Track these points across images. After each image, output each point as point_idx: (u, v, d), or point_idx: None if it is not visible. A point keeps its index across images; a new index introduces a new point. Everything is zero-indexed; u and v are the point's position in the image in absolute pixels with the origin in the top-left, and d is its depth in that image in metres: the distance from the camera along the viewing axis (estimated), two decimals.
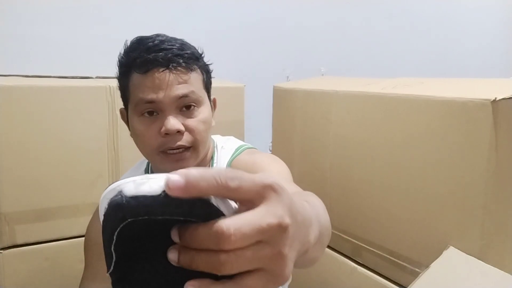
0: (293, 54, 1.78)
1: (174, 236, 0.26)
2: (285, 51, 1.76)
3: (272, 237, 0.26)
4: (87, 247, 0.75)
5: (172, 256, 0.26)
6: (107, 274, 0.28)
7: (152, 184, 0.25)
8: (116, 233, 0.26)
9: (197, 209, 0.26)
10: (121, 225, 0.26)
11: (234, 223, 0.24)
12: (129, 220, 0.25)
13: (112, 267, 0.28)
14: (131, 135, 0.71)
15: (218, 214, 0.26)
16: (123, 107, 0.73)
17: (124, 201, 0.25)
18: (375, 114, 0.82)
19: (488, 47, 2.35)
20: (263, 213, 0.25)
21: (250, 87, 1.28)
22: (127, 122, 0.72)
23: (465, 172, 0.66)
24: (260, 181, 0.26)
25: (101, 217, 0.27)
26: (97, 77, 1.19)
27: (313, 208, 0.38)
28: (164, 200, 0.25)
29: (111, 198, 0.26)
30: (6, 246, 0.95)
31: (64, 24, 1.32)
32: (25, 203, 0.96)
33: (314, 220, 0.35)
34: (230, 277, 0.26)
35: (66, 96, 0.99)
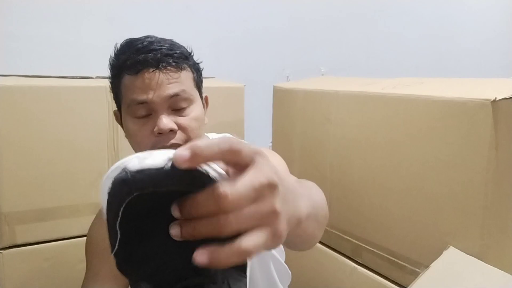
0: (293, 54, 1.78)
1: (175, 210, 0.28)
2: (285, 51, 1.76)
3: (264, 195, 0.29)
4: (89, 248, 0.75)
5: (174, 231, 0.28)
6: (111, 255, 0.29)
7: (155, 157, 0.27)
8: (121, 209, 0.27)
9: (198, 179, 0.27)
10: (127, 200, 0.26)
11: (230, 185, 0.27)
12: (135, 194, 0.26)
13: (116, 246, 0.28)
14: (126, 136, 0.72)
15: (215, 183, 0.28)
16: (116, 109, 0.74)
17: (129, 176, 0.26)
18: (375, 114, 0.82)
19: (488, 47, 2.35)
20: (254, 174, 0.28)
21: (250, 87, 1.28)
22: (121, 123, 0.73)
23: (465, 172, 0.66)
24: (253, 148, 0.30)
25: (105, 198, 0.28)
26: (97, 77, 1.19)
27: (303, 186, 0.41)
28: (168, 171, 0.26)
29: (116, 176, 0.27)
30: (6, 246, 0.95)
31: (64, 24, 1.32)
32: (25, 203, 0.96)
33: (303, 194, 0.37)
34: (233, 241, 0.27)
35: (66, 96, 0.99)
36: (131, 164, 0.26)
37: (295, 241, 0.34)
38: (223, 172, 0.29)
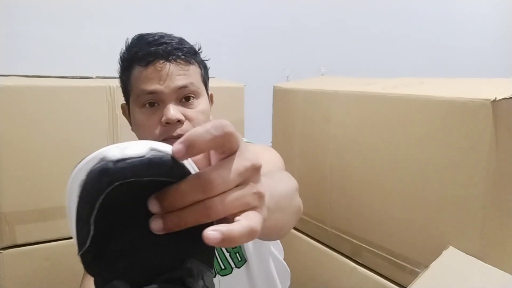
0: (293, 54, 1.78)
1: (153, 205, 0.27)
2: (285, 51, 1.76)
3: (249, 178, 0.29)
4: None
5: (156, 224, 0.27)
6: (78, 256, 0.27)
7: (135, 147, 0.26)
8: (99, 201, 0.26)
9: (176, 169, 0.27)
10: (106, 191, 0.25)
11: (214, 170, 0.27)
12: (116, 184, 0.25)
13: (88, 243, 0.27)
14: (132, 129, 0.73)
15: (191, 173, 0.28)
16: (124, 103, 0.75)
17: (110, 165, 0.25)
18: (375, 114, 0.82)
19: (488, 47, 2.35)
20: (238, 158, 0.28)
21: (250, 87, 1.28)
22: (128, 116, 0.74)
23: (465, 172, 0.66)
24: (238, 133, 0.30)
25: (75, 191, 0.27)
26: (97, 77, 1.19)
27: (268, 179, 0.40)
28: (148, 161, 0.26)
29: (92, 167, 0.26)
30: (6, 246, 0.95)
31: (64, 24, 1.32)
32: (25, 203, 0.95)
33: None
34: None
35: (66, 96, 0.99)
36: (111, 154, 0.26)
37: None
38: (196, 169, 0.29)
